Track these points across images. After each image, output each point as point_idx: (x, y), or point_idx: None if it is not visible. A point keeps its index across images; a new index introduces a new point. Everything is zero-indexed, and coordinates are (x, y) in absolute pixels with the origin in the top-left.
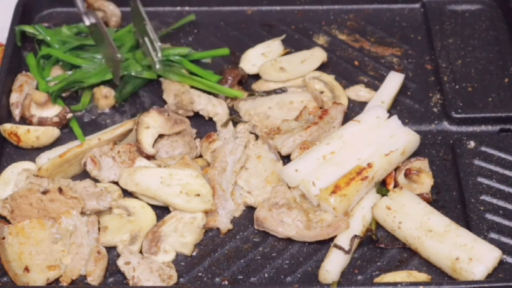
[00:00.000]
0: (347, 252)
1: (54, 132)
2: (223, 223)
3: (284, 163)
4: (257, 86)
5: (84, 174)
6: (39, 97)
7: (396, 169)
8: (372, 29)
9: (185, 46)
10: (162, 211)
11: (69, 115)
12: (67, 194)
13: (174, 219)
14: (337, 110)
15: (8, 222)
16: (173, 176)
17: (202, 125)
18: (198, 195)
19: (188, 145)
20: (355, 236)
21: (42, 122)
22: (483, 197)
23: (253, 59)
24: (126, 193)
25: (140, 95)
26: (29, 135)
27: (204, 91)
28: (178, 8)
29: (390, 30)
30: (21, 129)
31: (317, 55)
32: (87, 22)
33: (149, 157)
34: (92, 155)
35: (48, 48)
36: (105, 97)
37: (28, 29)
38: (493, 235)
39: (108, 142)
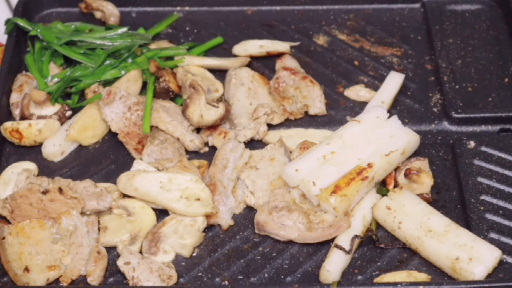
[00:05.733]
0: (347, 252)
1: (55, 124)
2: (224, 219)
3: None
4: None
5: (83, 175)
6: (37, 96)
7: (396, 169)
8: (372, 29)
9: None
10: (162, 211)
11: (68, 113)
12: (67, 194)
13: (175, 220)
14: None
15: (8, 222)
16: (173, 180)
17: None
18: (198, 199)
19: (177, 151)
20: (356, 236)
21: None
22: (483, 197)
23: (248, 46)
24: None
25: None
26: (30, 129)
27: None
28: (178, 8)
29: (390, 30)
30: (22, 125)
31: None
32: None
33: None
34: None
35: (43, 43)
36: (94, 92)
37: (21, 22)
38: (493, 235)
39: None
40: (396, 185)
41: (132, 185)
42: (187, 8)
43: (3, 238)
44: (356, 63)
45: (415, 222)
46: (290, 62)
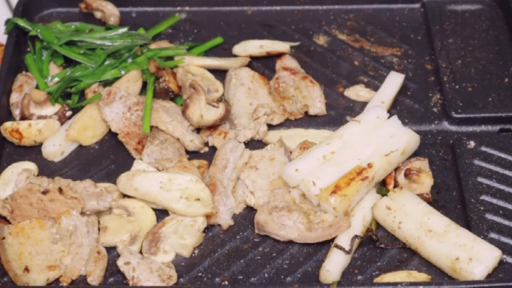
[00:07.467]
0: (347, 252)
1: (55, 125)
2: (224, 219)
3: None
4: None
5: (83, 175)
6: (37, 96)
7: (396, 169)
8: (372, 29)
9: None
10: (162, 211)
11: (68, 113)
12: (67, 194)
13: (175, 220)
14: None
15: (8, 222)
16: (173, 181)
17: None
18: (198, 199)
19: (177, 151)
20: (356, 236)
21: None
22: (483, 197)
23: (248, 46)
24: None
25: None
26: (30, 129)
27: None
28: (178, 8)
29: (390, 30)
30: (22, 125)
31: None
32: None
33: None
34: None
35: (43, 43)
36: (94, 92)
37: (21, 22)
38: (493, 235)
39: None
40: (396, 185)
41: (132, 185)
42: (187, 8)
43: (3, 238)
44: (356, 63)
45: (415, 222)
46: (290, 62)
